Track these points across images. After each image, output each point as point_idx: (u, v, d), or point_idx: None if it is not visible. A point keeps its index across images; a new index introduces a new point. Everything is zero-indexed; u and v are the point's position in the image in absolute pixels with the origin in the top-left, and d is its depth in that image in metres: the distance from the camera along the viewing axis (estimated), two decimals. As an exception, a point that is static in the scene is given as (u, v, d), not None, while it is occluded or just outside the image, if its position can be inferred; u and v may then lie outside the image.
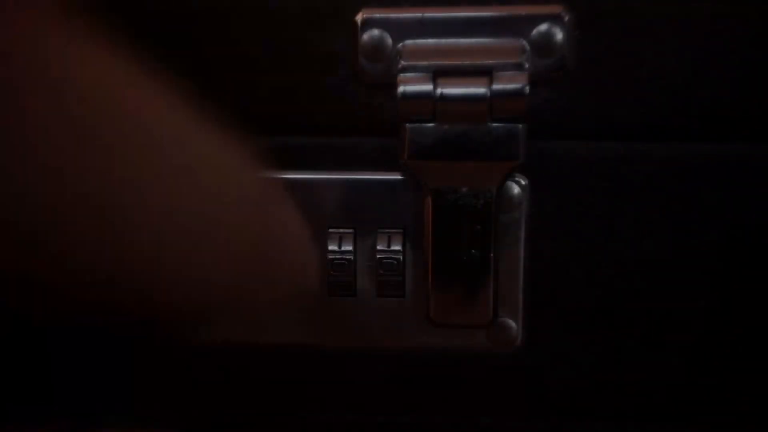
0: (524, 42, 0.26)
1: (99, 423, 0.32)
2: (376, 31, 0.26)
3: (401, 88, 0.26)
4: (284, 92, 0.27)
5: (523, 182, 0.27)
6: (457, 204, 0.27)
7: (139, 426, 0.31)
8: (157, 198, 0.19)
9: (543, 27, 0.26)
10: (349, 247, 0.28)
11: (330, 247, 0.28)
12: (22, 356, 0.29)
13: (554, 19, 0.26)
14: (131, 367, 0.29)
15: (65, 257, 0.17)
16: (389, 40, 0.26)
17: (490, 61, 0.26)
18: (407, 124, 0.26)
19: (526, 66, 0.26)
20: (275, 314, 0.27)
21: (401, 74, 0.26)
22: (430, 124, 0.26)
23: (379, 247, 0.28)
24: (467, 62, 0.26)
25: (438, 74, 0.26)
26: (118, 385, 0.30)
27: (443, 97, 0.26)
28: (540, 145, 0.27)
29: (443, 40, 0.26)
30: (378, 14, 0.26)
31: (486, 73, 0.26)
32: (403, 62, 0.26)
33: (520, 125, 0.26)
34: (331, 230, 0.28)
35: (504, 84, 0.25)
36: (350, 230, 0.28)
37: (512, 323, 0.28)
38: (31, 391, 0.30)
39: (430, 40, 0.26)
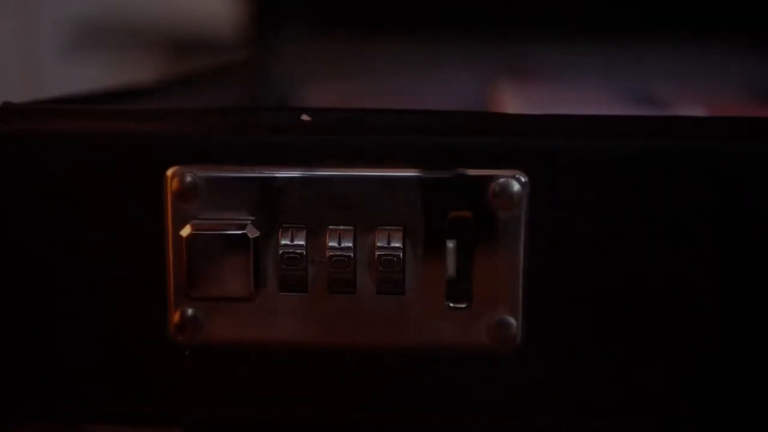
0: None
1: (97, 421, 0.32)
2: None
3: None
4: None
5: (523, 179, 0.27)
6: None
7: (137, 425, 0.31)
8: None
9: None
10: (349, 244, 0.28)
11: (330, 244, 0.28)
12: (22, 351, 0.29)
13: None
14: (130, 365, 0.29)
15: None
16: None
17: None
18: None
19: None
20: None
21: None
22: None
23: (378, 244, 0.28)
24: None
25: None
26: (116, 383, 0.29)
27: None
28: (540, 142, 0.27)
29: None
30: None
31: None
32: None
33: None
34: (330, 227, 0.28)
35: None
36: (350, 227, 0.28)
37: (512, 321, 0.28)
38: (28, 388, 0.30)
39: None
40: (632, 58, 0.63)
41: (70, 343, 0.29)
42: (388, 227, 0.28)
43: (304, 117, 0.28)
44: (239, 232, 0.28)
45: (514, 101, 0.47)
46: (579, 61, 0.64)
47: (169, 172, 0.28)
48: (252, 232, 0.28)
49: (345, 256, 0.28)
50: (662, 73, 0.58)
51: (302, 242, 0.28)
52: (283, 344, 0.29)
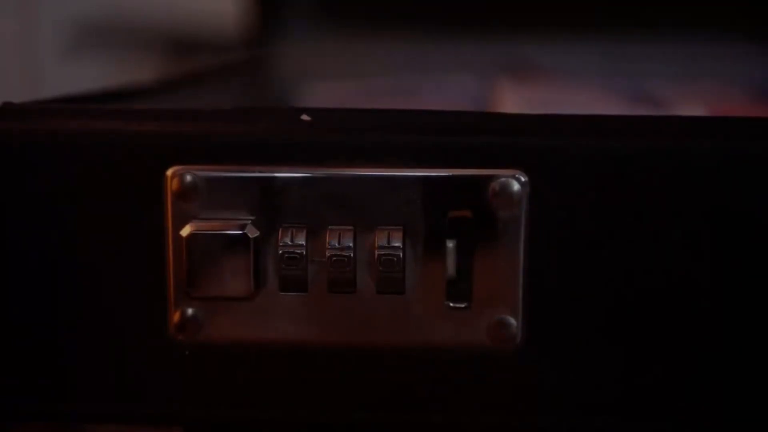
0: None
1: (97, 421, 0.32)
2: None
3: None
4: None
5: (523, 179, 0.27)
6: None
7: (137, 425, 0.31)
8: None
9: None
10: (349, 244, 0.28)
11: (330, 244, 0.28)
12: (22, 351, 0.29)
13: None
14: (130, 365, 0.29)
15: None
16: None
17: None
18: None
19: None
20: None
21: None
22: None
23: (378, 244, 0.28)
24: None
25: None
26: (116, 383, 0.29)
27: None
28: (540, 142, 0.27)
29: None
30: None
31: None
32: None
33: None
34: (330, 227, 0.28)
35: None
36: (350, 227, 0.28)
37: (512, 320, 0.28)
38: (28, 388, 0.30)
39: None
40: (632, 58, 0.63)
41: (70, 343, 0.29)
42: (388, 227, 0.28)
43: (304, 117, 0.28)
44: (239, 231, 0.28)
45: (513, 101, 0.47)
46: (578, 61, 0.64)
47: (169, 172, 0.28)
48: (252, 232, 0.28)
49: (345, 255, 0.28)
50: (662, 72, 0.58)
51: (302, 242, 0.28)
52: (283, 344, 0.29)
